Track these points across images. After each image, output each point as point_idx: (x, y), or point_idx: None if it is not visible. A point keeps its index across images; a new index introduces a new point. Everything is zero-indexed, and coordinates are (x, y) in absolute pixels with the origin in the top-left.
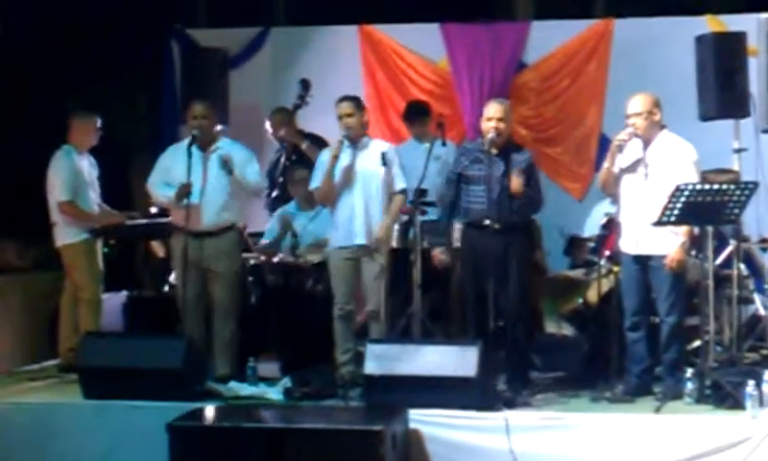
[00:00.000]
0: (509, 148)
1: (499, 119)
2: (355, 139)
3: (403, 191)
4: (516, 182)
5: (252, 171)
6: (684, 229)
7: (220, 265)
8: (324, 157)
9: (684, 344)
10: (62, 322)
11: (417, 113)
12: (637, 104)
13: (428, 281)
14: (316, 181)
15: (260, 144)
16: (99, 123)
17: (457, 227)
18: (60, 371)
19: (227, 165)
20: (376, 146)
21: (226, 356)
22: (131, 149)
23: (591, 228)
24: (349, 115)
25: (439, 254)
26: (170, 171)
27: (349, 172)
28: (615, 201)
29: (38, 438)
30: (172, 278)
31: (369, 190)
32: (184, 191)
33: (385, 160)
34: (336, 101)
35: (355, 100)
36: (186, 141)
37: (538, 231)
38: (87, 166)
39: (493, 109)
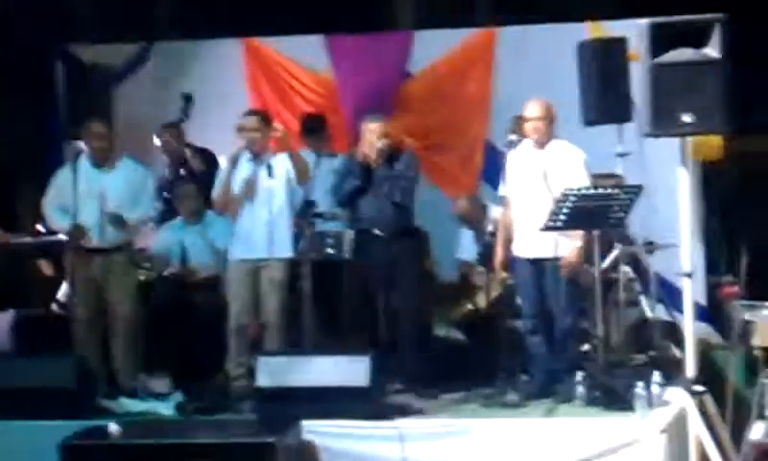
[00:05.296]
0: (391, 156)
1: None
2: (258, 153)
3: None
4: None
5: (144, 201)
6: (579, 232)
7: (117, 281)
8: (224, 166)
9: (576, 347)
10: None
11: (314, 127)
12: (537, 108)
13: (319, 293)
14: (215, 190)
15: (144, 160)
16: None
17: (348, 236)
18: None
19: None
20: (280, 161)
21: (132, 368)
22: (16, 170)
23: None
24: (255, 130)
25: None
26: (64, 190)
27: (250, 184)
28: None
29: None
30: (60, 295)
31: (271, 204)
32: (77, 235)
33: (271, 172)
34: (243, 113)
35: (261, 116)
36: (81, 159)
37: (425, 239)
38: None
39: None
